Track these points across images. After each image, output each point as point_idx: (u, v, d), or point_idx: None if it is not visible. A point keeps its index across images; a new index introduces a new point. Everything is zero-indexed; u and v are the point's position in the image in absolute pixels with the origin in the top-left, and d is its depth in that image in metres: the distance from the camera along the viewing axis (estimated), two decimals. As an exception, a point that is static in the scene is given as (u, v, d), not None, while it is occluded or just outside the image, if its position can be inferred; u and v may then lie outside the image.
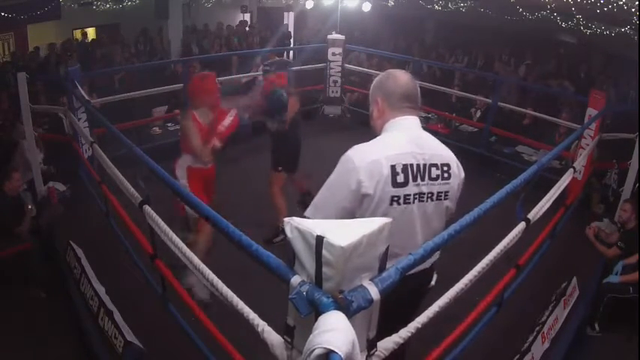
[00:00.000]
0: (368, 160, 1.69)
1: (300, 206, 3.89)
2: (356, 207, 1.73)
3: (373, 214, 1.70)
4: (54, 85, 6.21)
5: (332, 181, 1.75)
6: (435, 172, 1.77)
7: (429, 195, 1.77)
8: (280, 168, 4.09)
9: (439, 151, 1.81)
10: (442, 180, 1.79)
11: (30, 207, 3.86)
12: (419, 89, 1.87)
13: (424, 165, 1.75)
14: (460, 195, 1.88)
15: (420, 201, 1.76)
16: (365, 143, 1.78)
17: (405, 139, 1.77)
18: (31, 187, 4.44)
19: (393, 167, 1.70)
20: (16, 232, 3.76)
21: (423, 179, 1.75)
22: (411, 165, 1.73)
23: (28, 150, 4.42)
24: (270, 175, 4.12)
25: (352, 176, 1.69)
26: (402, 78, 1.85)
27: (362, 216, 1.71)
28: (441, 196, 1.80)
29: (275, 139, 4.15)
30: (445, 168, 1.80)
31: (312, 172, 4.40)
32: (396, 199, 1.72)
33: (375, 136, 1.85)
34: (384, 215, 1.62)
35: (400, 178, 1.71)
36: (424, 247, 1.49)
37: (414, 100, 1.84)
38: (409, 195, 1.73)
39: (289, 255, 1.32)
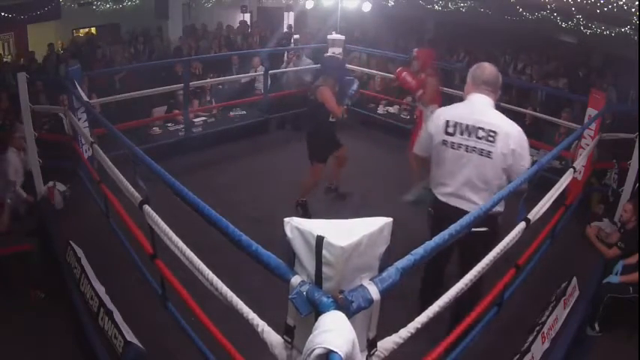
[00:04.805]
0: (436, 116, 2.68)
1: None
2: (430, 143, 2.66)
3: (436, 149, 2.61)
4: (54, 85, 6.21)
5: (423, 128, 2.95)
6: (480, 133, 2.47)
7: (473, 149, 2.49)
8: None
9: (490, 120, 2.48)
10: (486, 141, 2.46)
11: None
12: (500, 78, 2.59)
13: (473, 126, 2.48)
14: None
15: (466, 151, 2.50)
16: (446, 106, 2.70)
17: (465, 107, 2.57)
18: (30, 187, 4.46)
19: (447, 121, 2.55)
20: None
21: (470, 135, 2.49)
22: (461, 123, 2.51)
23: (26, 150, 4.42)
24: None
25: (428, 125, 2.76)
26: (485, 68, 2.59)
27: (434, 148, 2.63)
28: (484, 153, 2.46)
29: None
30: (492, 133, 2.45)
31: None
32: (445, 142, 2.56)
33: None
34: (439, 151, 2.59)
35: (450, 130, 2.54)
36: (424, 246, 1.49)
37: (490, 84, 2.56)
38: (455, 143, 2.53)
39: (289, 255, 1.32)
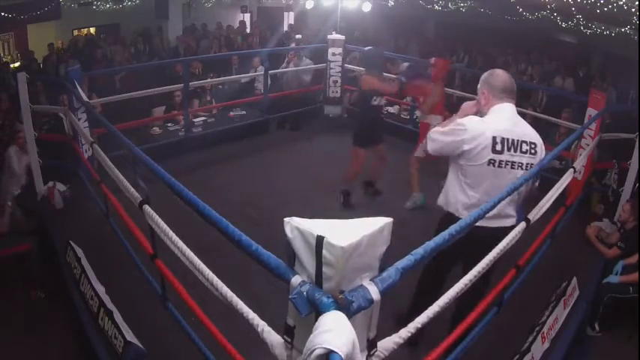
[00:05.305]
0: (475, 128, 2.33)
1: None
2: (453, 153, 2.39)
3: (473, 168, 2.36)
4: (54, 85, 6.20)
5: (447, 131, 2.40)
6: (524, 147, 2.36)
7: (519, 164, 2.35)
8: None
9: (528, 132, 2.40)
10: (530, 154, 2.37)
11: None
12: (514, 82, 2.43)
13: (517, 140, 2.34)
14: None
15: (512, 168, 2.35)
16: (476, 117, 2.43)
17: (504, 120, 2.37)
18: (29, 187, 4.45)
19: (494, 138, 2.31)
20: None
21: (515, 151, 2.34)
22: (507, 139, 2.33)
23: (27, 150, 4.42)
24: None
25: (460, 134, 2.34)
26: (499, 75, 2.45)
27: (463, 162, 2.37)
28: (528, 167, 2.37)
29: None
30: (533, 145, 2.38)
31: (315, 169, 4.45)
32: (492, 161, 2.33)
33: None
34: (479, 171, 2.34)
35: (498, 147, 2.32)
36: (424, 247, 1.49)
37: (508, 91, 2.41)
38: (503, 161, 2.33)
39: (289, 255, 1.32)
